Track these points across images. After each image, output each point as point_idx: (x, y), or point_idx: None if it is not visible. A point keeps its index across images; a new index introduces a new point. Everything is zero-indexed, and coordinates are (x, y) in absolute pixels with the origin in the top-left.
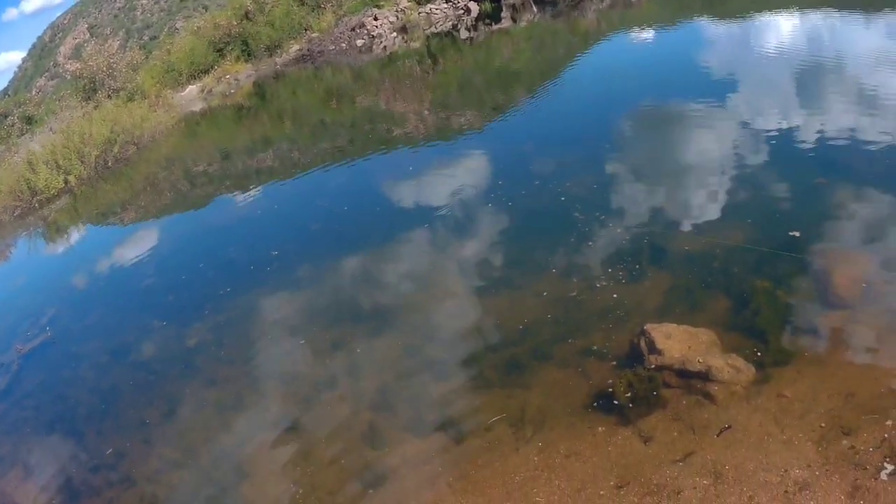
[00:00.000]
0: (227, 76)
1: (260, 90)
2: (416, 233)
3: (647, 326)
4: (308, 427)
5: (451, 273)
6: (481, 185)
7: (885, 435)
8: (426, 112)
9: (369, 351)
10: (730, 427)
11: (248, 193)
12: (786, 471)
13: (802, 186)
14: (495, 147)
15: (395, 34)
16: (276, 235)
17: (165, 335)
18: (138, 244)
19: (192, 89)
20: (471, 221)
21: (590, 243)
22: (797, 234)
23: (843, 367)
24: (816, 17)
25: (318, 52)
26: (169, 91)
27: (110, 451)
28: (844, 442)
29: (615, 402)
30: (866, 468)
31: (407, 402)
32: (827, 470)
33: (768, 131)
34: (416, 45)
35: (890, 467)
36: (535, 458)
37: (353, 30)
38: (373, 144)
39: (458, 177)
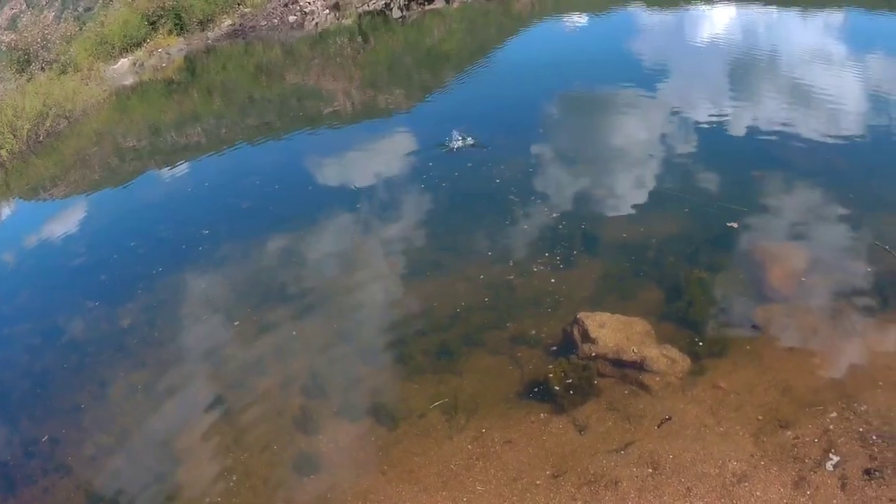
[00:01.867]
0: (159, 50)
1: (191, 65)
2: (349, 214)
3: (581, 315)
4: (240, 411)
5: (385, 255)
6: (413, 166)
7: (829, 427)
8: (355, 90)
9: (300, 333)
10: (670, 418)
11: (177, 170)
12: (723, 463)
13: (739, 178)
14: (425, 127)
15: (327, 11)
16: (207, 213)
17: (98, 316)
18: (69, 221)
19: (125, 62)
20: (405, 203)
21: (525, 227)
22: (735, 225)
23: (778, 361)
24: (753, 11)
25: (250, 27)
26: (101, 64)
27: (45, 437)
28: (783, 434)
29: (549, 390)
30: (806, 461)
31: (338, 387)
32: (765, 462)
33: (706, 123)
34: (347, 22)
35: (835, 458)
36: (470, 446)
37: (285, 6)
38: (301, 122)
39: (391, 157)
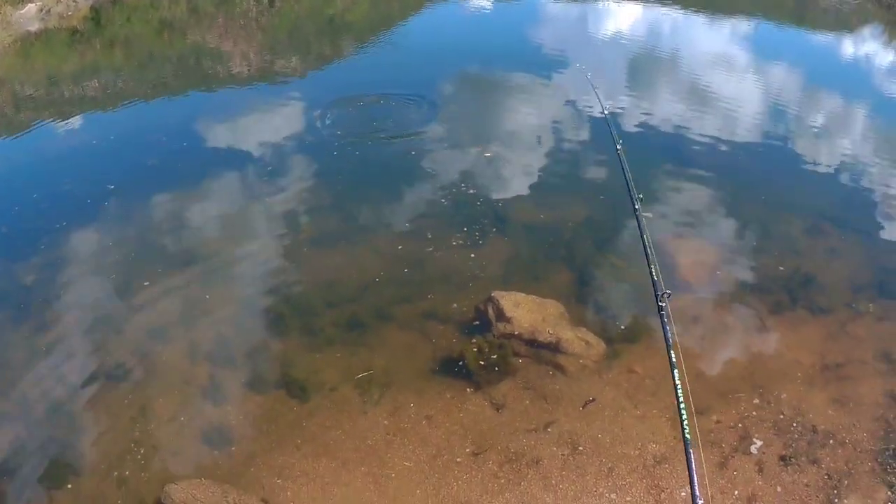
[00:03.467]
0: None
1: (97, 15)
2: (261, 179)
3: (495, 293)
4: (145, 379)
5: (298, 223)
6: (324, 132)
7: (745, 414)
8: (253, 55)
9: (208, 299)
10: (594, 400)
11: (76, 122)
12: (643, 445)
13: (656, 171)
14: (326, 95)
15: None
16: (112, 168)
17: None
18: None
19: (32, 8)
20: (321, 172)
21: (444, 202)
22: (649, 215)
23: (691, 349)
24: (661, 12)
25: None
26: (9, 7)
27: None
28: (699, 420)
29: (465, 367)
30: (723, 445)
31: (247, 357)
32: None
33: (630, 117)
34: None
35: (759, 443)
36: (386, 422)
37: None
38: (197, 82)
39: (299, 122)
